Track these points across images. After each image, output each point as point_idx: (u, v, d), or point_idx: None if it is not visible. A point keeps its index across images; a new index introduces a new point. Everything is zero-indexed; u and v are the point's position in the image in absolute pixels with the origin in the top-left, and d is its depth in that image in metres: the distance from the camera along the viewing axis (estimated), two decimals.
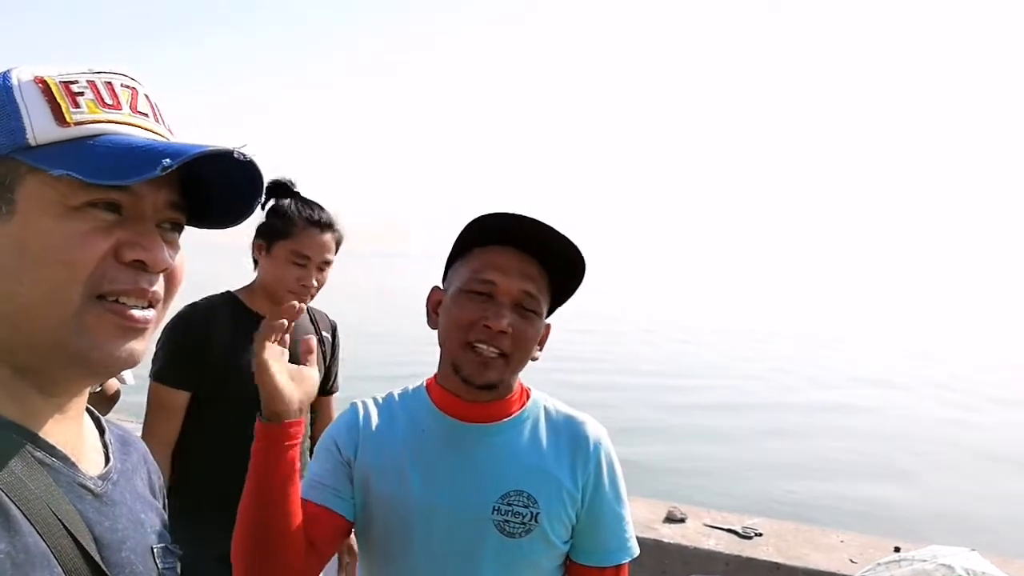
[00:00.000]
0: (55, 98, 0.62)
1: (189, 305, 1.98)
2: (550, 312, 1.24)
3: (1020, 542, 6.78)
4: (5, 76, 0.62)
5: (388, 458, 1.19)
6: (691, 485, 8.24)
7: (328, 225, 2.03)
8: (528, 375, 1.27)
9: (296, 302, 1.10)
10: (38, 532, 0.58)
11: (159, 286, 0.66)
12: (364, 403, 1.27)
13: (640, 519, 3.09)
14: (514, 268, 1.15)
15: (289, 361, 2.07)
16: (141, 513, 0.73)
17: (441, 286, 1.25)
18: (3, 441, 0.61)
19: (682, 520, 3.17)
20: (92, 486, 0.67)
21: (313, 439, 2.18)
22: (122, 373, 1.77)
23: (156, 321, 0.67)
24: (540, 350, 1.23)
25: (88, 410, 0.74)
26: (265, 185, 0.70)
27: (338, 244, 2.08)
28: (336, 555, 2.38)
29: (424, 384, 1.28)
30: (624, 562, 1.23)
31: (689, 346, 22.87)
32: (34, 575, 0.56)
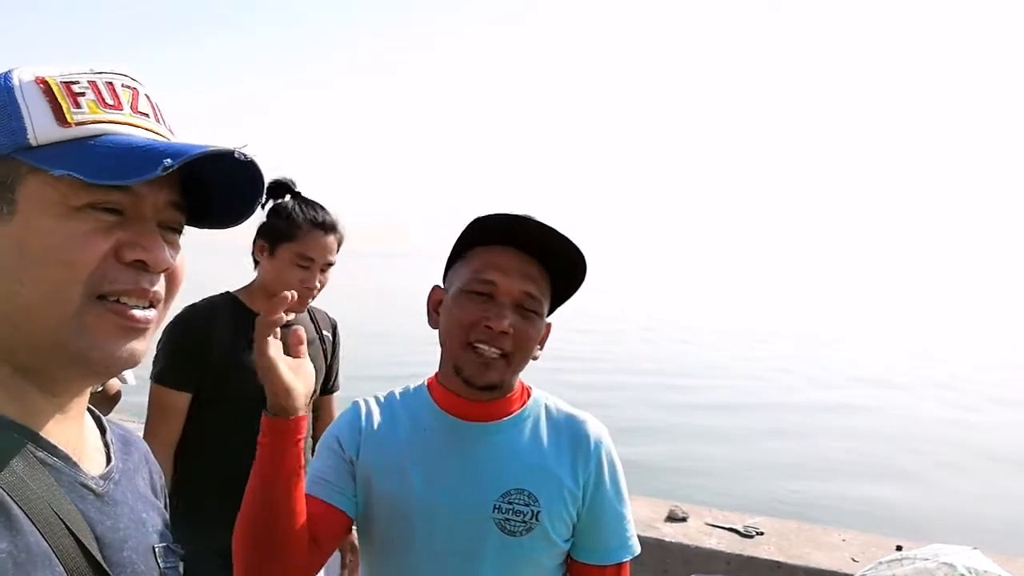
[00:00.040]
0: (56, 98, 0.62)
1: (189, 306, 1.98)
2: (551, 311, 1.24)
3: (1022, 541, 6.78)
4: (6, 76, 0.63)
5: (390, 457, 1.19)
6: (692, 484, 8.24)
7: (332, 227, 2.03)
8: (529, 375, 1.27)
9: (288, 292, 1.09)
10: (40, 532, 0.58)
11: (160, 286, 0.66)
12: (366, 402, 1.27)
13: (642, 518, 3.09)
14: (515, 268, 1.15)
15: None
16: (143, 512, 0.73)
17: (442, 285, 1.25)
18: (4, 441, 0.61)
19: (684, 519, 3.17)
20: (94, 486, 0.67)
21: (315, 438, 2.18)
22: (123, 373, 1.78)
23: (157, 321, 0.67)
24: (540, 349, 1.23)
25: (89, 410, 0.74)
26: (266, 185, 0.70)
27: (339, 244, 2.09)
28: (339, 553, 2.38)
29: (425, 383, 1.28)
30: (625, 560, 1.23)
31: (689, 346, 22.87)
32: (36, 574, 0.56)
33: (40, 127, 0.61)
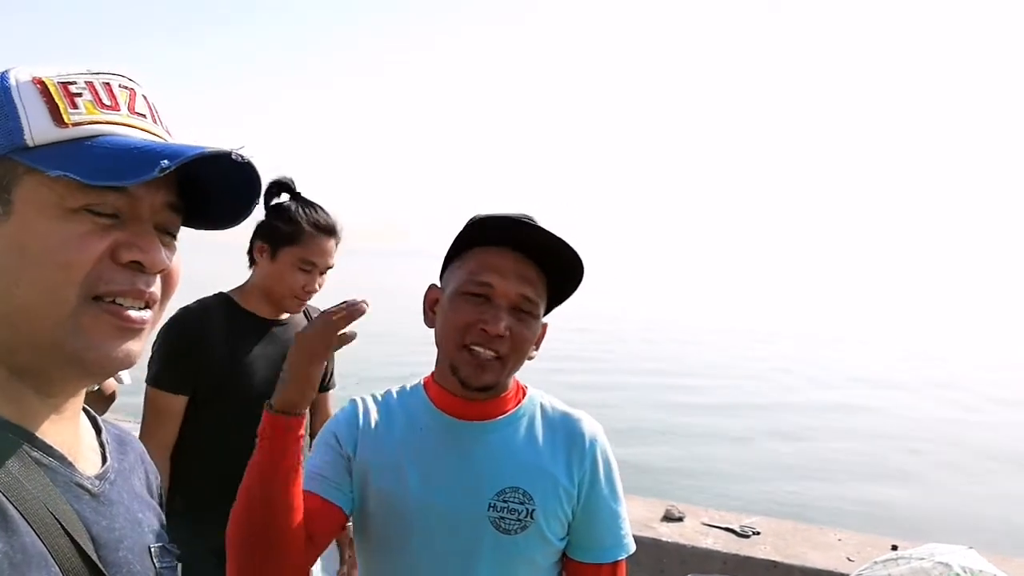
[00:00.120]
0: (53, 99, 0.62)
1: (182, 308, 1.97)
2: (547, 311, 1.24)
3: (1019, 541, 6.78)
4: (3, 76, 0.62)
5: (386, 455, 1.19)
6: (689, 485, 8.24)
7: (334, 230, 2.03)
8: (527, 374, 1.27)
9: (366, 304, 1.06)
10: (35, 532, 0.58)
11: (156, 287, 0.66)
12: (363, 400, 1.27)
13: (638, 518, 3.10)
14: (512, 271, 1.15)
15: (285, 360, 2.07)
16: (138, 512, 0.73)
17: (439, 284, 1.25)
18: (0, 441, 0.61)
19: (680, 519, 3.18)
20: (89, 486, 0.67)
21: (312, 435, 2.18)
22: (120, 373, 1.78)
23: (153, 322, 0.67)
24: (536, 349, 1.24)
25: (85, 410, 0.74)
26: (263, 187, 0.71)
27: (337, 245, 2.09)
28: (339, 553, 2.38)
29: (422, 382, 1.29)
30: (621, 559, 1.23)
31: (688, 346, 22.86)
32: (31, 575, 0.56)
33: (37, 128, 0.61)
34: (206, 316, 1.97)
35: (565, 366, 14.57)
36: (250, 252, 2.05)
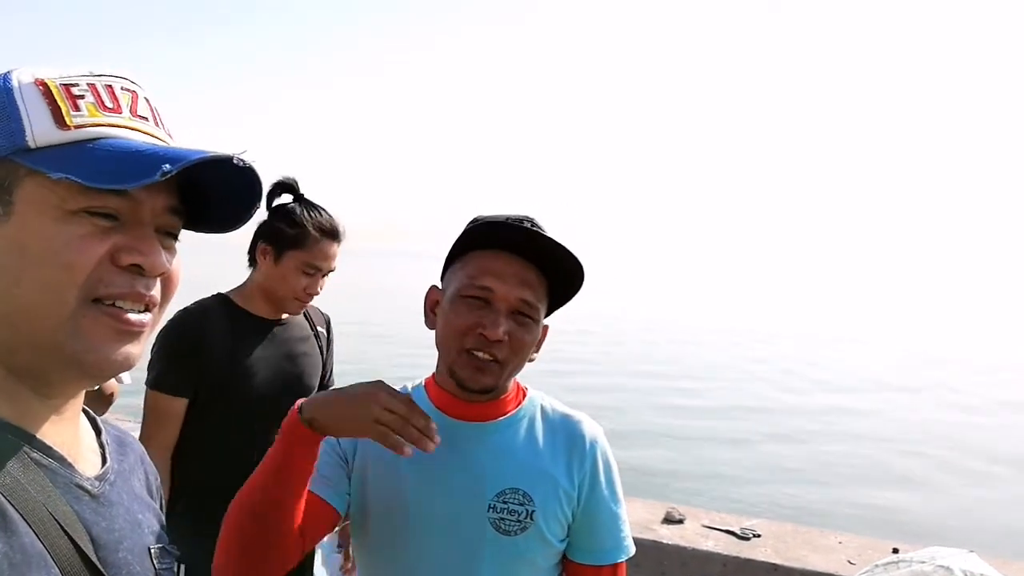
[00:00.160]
0: (55, 100, 0.62)
1: (181, 310, 1.96)
2: (549, 313, 1.24)
3: (1020, 544, 6.78)
4: (5, 78, 0.63)
5: (386, 455, 1.19)
6: (689, 487, 8.24)
7: (339, 234, 2.03)
8: (528, 376, 1.27)
9: (435, 435, 1.04)
10: (35, 533, 0.58)
11: (156, 290, 0.66)
12: None
13: (638, 520, 3.09)
14: (512, 275, 1.15)
15: (287, 360, 2.08)
16: (138, 513, 0.73)
17: (439, 286, 1.25)
18: (0, 442, 0.61)
19: (680, 521, 3.17)
20: (89, 487, 0.67)
21: None
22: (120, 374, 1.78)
23: (152, 325, 0.67)
24: (537, 351, 1.24)
25: (85, 411, 0.74)
26: (264, 191, 0.71)
27: (339, 247, 2.09)
28: (341, 555, 2.38)
29: (423, 382, 1.29)
30: (621, 560, 1.23)
31: (689, 347, 22.85)
32: (31, 575, 0.56)
33: (39, 129, 0.61)
34: (206, 318, 1.96)
35: (565, 368, 14.57)
36: (251, 252, 2.04)
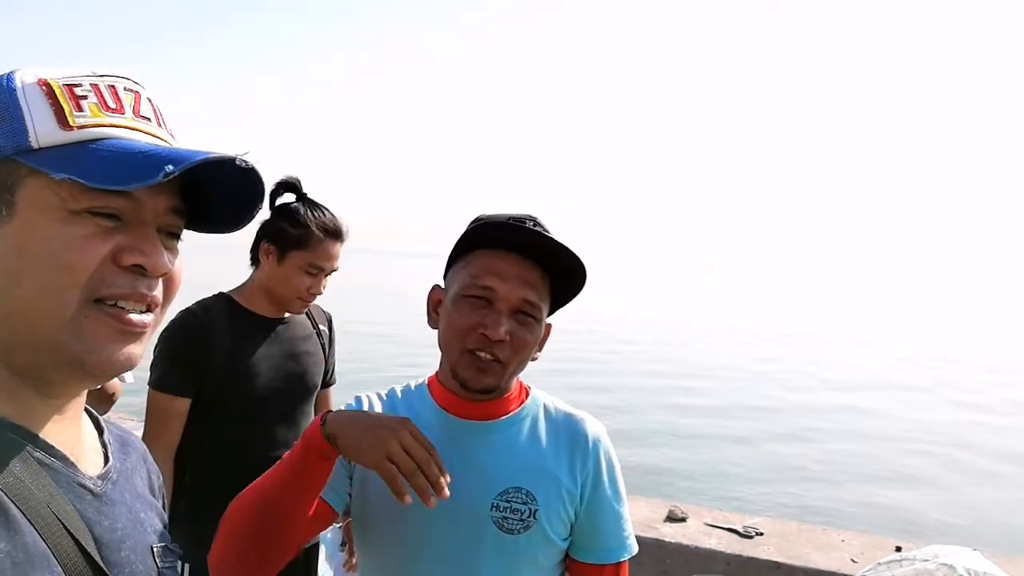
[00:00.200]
0: (58, 101, 0.62)
1: (184, 311, 1.96)
2: (552, 312, 1.24)
3: (1023, 542, 6.77)
4: (9, 78, 0.63)
5: None
6: (692, 485, 8.24)
7: (342, 234, 2.04)
8: (532, 375, 1.27)
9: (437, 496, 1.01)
10: (38, 532, 0.58)
11: (158, 291, 0.66)
12: (368, 397, 1.27)
13: (641, 518, 3.10)
14: (514, 274, 1.14)
15: (290, 359, 2.07)
16: (141, 512, 0.73)
17: (442, 285, 1.25)
18: (2, 442, 0.61)
19: (683, 519, 3.18)
20: (91, 486, 0.67)
21: None
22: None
23: (154, 325, 0.68)
24: (540, 351, 1.24)
25: (87, 410, 0.74)
26: (266, 192, 0.71)
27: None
28: (344, 554, 2.39)
29: (426, 381, 1.29)
30: (623, 560, 1.23)
31: (691, 346, 22.83)
32: (34, 575, 0.56)
33: (42, 130, 0.61)
34: (208, 318, 1.96)
35: (567, 367, 14.57)
36: (254, 251, 2.04)
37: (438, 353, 1.23)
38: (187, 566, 1.76)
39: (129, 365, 0.66)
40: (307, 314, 2.20)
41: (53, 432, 0.66)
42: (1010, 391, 16.46)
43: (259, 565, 1.08)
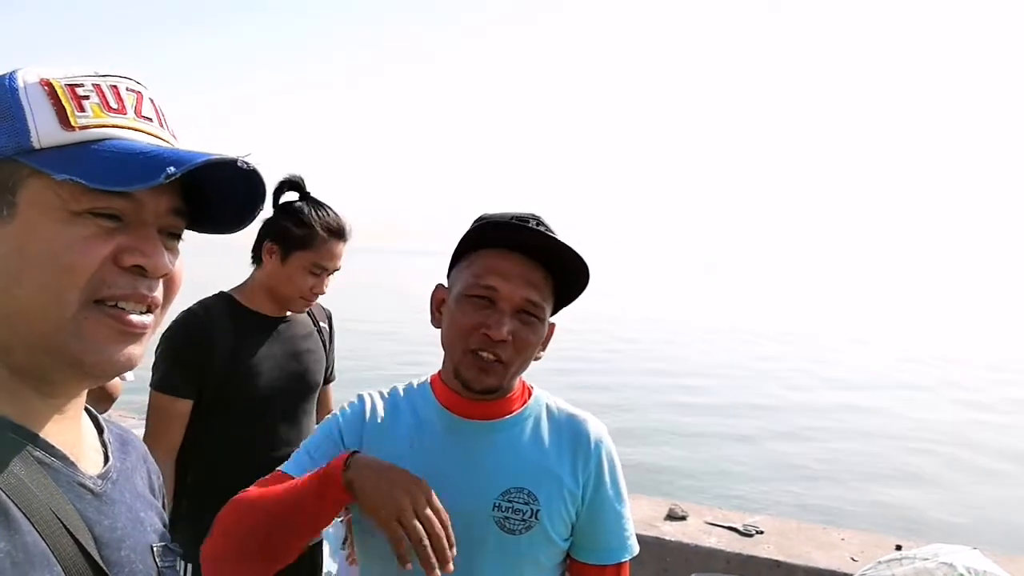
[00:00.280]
0: (60, 101, 0.62)
1: (185, 311, 1.96)
2: (555, 311, 1.24)
3: (1022, 541, 6.77)
4: (11, 78, 0.62)
5: (390, 451, 1.19)
6: (692, 484, 8.24)
7: (345, 234, 2.03)
8: (534, 374, 1.27)
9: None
10: (38, 531, 0.58)
11: (158, 291, 0.66)
12: (371, 395, 1.27)
13: (641, 517, 3.10)
14: (517, 274, 1.14)
15: (292, 357, 2.07)
16: (141, 512, 0.73)
17: (446, 284, 1.25)
18: (3, 442, 0.61)
19: (683, 518, 3.18)
20: (91, 485, 0.67)
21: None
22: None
23: (154, 326, 0.68)
24: (543, 350, 1.23)
25: (87, 409, 0.74)
26: (268, 193, 0.71)
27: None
28: (345, 554, 2.39)
29: (429, 380, 1.29)
30: (624, 560, 1.23)
31: (692, 345, 22.80)
32: (34, 574, 0.56)
33: (44, 130, 0.61)
34: (209, 318, 1.96)
35: (568, 366, 14.56)
36: (256, 250, 2.04)
37: (439, 351, 1.23)
38: (189, 566, 1.77)
39: (129, 366, 0.66)
40: (308, 312, 2.19)
41: (53, 432, 0.66)
42: (1011, 390, 16.42)
43: (262, 565, 1.08)
